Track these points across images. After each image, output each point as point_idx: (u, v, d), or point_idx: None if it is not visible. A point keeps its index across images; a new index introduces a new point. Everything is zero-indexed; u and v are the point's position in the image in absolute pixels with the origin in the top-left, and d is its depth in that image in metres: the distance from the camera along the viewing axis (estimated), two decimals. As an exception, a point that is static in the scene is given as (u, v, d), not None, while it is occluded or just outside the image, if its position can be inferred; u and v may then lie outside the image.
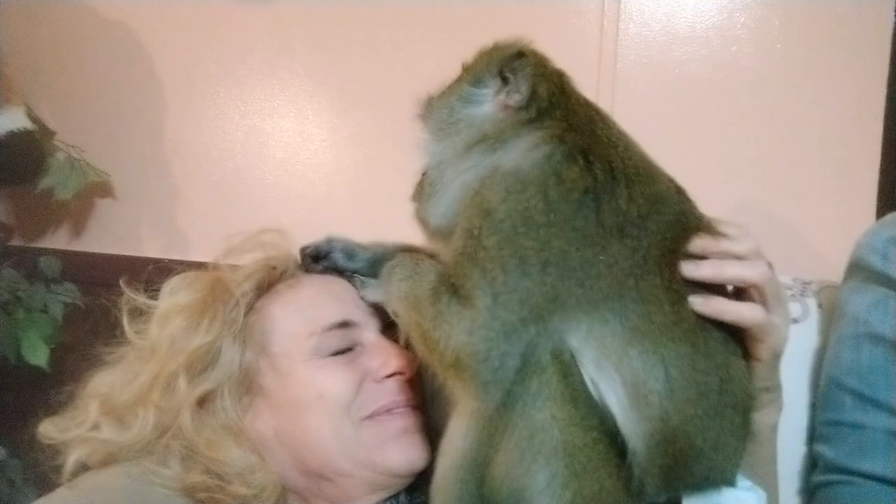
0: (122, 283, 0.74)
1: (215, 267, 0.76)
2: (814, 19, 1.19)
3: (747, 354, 0.62)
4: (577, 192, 0.56)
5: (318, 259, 0.79)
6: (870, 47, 1.16)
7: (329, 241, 0.79)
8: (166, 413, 0.68)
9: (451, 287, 0.58)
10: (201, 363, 0.70)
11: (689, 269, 0.58)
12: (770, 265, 0.61)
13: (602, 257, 0.56)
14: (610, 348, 0.56)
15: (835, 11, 1.17)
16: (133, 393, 0.69)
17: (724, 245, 0.59)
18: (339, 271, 0.79)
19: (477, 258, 0.57)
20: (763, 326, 0.59)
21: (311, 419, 0.69)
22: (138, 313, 0.74)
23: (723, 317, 0.58)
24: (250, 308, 0.73)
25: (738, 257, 0.59)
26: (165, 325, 0.71)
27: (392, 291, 0.65)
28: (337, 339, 0.72)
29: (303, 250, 0.80)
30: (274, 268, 0.77)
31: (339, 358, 0.71)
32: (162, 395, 0.68)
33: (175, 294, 0.73)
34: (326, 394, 0.69)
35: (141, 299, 0.74)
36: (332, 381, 0.69)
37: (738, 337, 0.61)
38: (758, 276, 0.59)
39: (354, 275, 0.77)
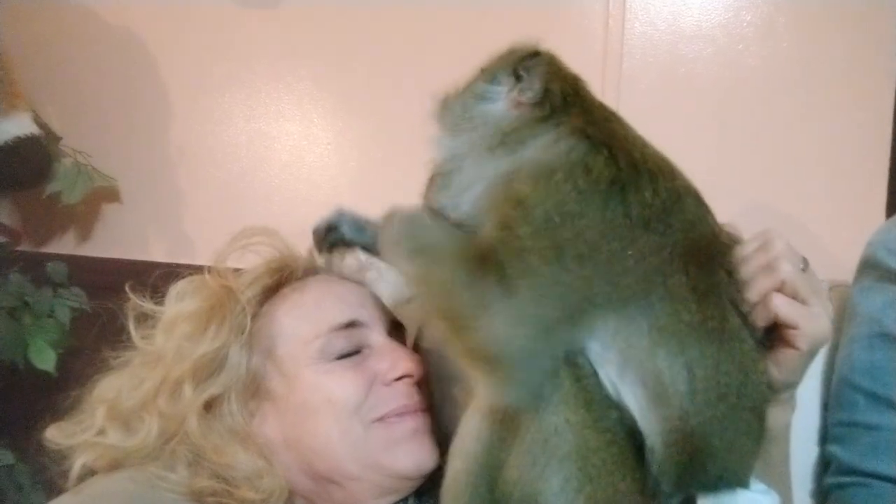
0: (127, 288, 0.74)
1: (218, 272, 0.75)
2: (821, 17, 1.18)
3: (784, 344, 0.60)
4: (604, 182, 0.56)
5: (329, 231, 0.78)
6: (878, 45, 1.15)
7: (339, 212, 0.78)
8: (172, 419, 0.68)
9: (494, 270, 0.55)
10: (207, 369, 0.69)
11: (755, 295, 0.59)
12: (805, 260, 0.60)
13: (630, 252, 0.55)
14: (636, 348, 0.56)
15: (842, 9, 1.17)
16: (139, 398, 0.69)
17: (753, 266, 0.59)
18: (346, 245, 0.77)
19: (514, 248, 0.55)
20: (802, 315, 0.58)
21: (319, 423, 0.69)
22: (144, 318, 0.74)
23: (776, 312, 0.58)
24: (256, 313, 0.73)
25: (766, 267, 0.59)
26: (171, 331, 0.71)
27: (406, 269, 0.62)
28: (343, 341, 0.71)
29: (315, 231, 0.79)
30: (277, 270, 0.76)
31: (347, 361, 0.71)
32: (168, 401, 0.68)
33: (181, 300, 0.73)
34: (334, 397, 0.68)
35: (147, 305, 0.74)
36: (340, 384, 0.69)
37: (771, 330, 0.60)
38: (781, 277, 0.58)
39: (362, 249, 0.75)
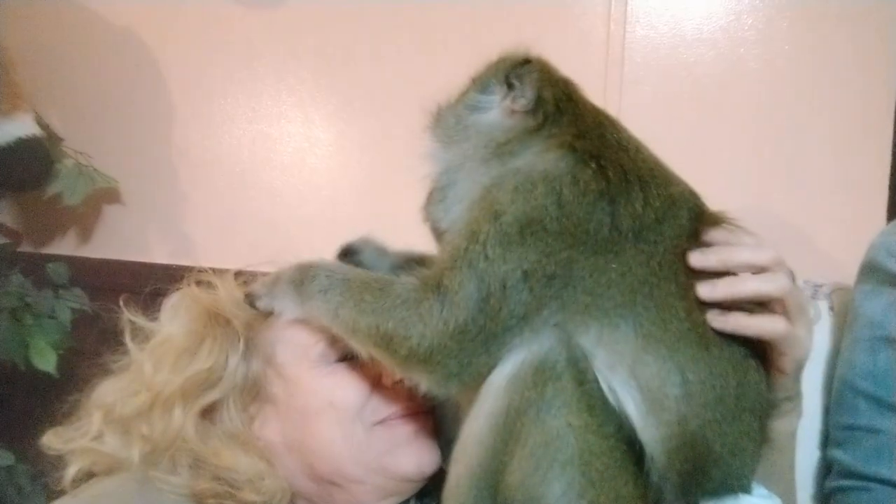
0: (121, 302, 0.73)
1: (210, 283, 0.75)
2: (821, 20, 1.18)
3: (770, 366, 0.60)
4: (592, 194, 0.55)
5: (347, 255, 0.78)
6: (878, 48, 1.15)
7: (363, 239, 0.79)
8: (169, 430, 0.67)
9: (437, 288, 0.57)
10: (202, 386, 0.69)
11: (706, 291, 0.56)
12: (792, 274, 0.59)
13: (614, 265, 0.55)
14: (623, 353, 0.56)
15: (842, 12, 1.17)
16: (135, 407, 0.68)
17: (744, 256, 0.57)
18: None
19: (477, 268, 0.55)
20: (786, 339, 0.58)
21: (321, 426, 0.68)
22: (141, 328, 0.73)
23: (744, 332, 0.57)
24: (252, 322, 0.72)
25: (758, 269, 0.57)
26: (162, 353, 0.70)
27: (318, 305, 0.63)
28: (345, 344, 0.71)
29: (337, 252, 0.80)
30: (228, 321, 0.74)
31: (348, 364, 0.70)
32: (162, 413, 0.67)
33: (173, 320, 0.72)
34: (336, 401, 0.68)
35: (140, 321, 0.73)
36: (342, 387, 0.69)
37: (760, 347, 0.59)
38: (779, 289, 0.57)
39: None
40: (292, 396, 0.70)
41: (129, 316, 0.73)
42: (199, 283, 0.76)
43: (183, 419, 0.67)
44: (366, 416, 0.68)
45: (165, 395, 0.68)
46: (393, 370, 0.60)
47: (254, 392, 0.71)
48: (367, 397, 0.69)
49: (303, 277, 0.64)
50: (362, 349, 0.61)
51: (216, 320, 0.72)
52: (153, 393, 0.68)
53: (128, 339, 0.72)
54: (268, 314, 0.71)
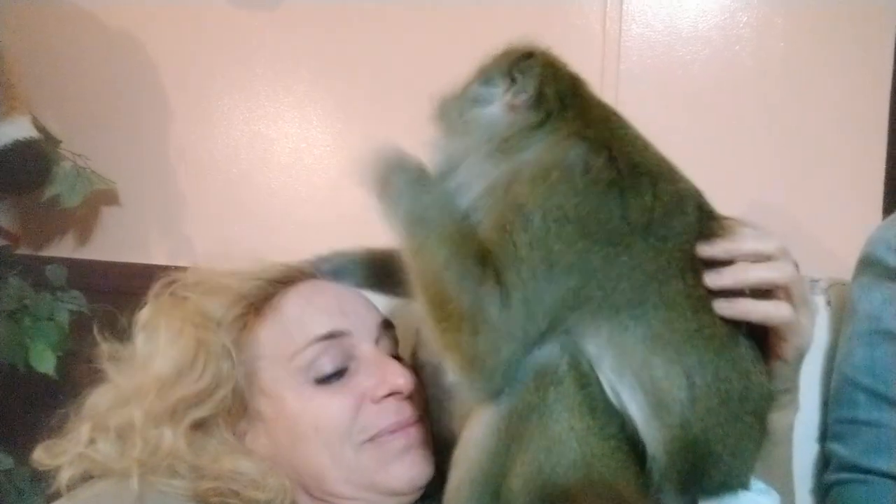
0: (96, 333, 0.70)
1: (185, 298, 0.72)
2: (817, 17, 1.18)
3: (771, 354, 0.60)
4: (603, 183, 0.55)
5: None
6: (874, 44, 1.16)
7: (319, 259, 0.78)
8: (161, 447, 0.65)
9: (492, 275, 0.55)
10: (191, 403, 0.67)
11: (713, 279, 0.56)
12: (796, 265, 0.59)
13: (625, 258, 0.55)
14: (631, 356, 0.55)
15: (838, 9, 1.17)
16: (125, 419, 0.67)
17: (749, 245, 0.57)
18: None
19: (510, 255, 0.55)
20: (790, 325, 0.58)
21: (309, 450, 0.67)
22: (127, 338, 0.71)
23: (749, 317, 0.57)
24: (238, 339, 0.70)
25: (763, 257, 0.57)
26: (148, 374, 0.68)
27: (400, 234, 0.59)
28: (325, 354, 0.68)
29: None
30: (249, 297, 0.71)
31: (332, 385, 0.68)
32: (153, 429, 0.66)
33: (153, 340, 0.69)
34: (321, 425, 0.67)
35: (118, 348, 0.70)
36: (327, 412, 0.67)
37: (761, 337, 0.59)
38: (783, 276, 0.57)
39: None
40: (279, 416, 0.68)
41: (108, 348, 0.70)
42: (172, 294, 0.72)
43: (174, 438, 0.65)
44: (354, 436, 0.67)
45: (152, 416, 0.66)
46: (431, 337, 0.58)
47: (241, 409, 0.69)
48: (353, 418, 0.67)
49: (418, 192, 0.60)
50: (417, 295, 0.58)
51: (200, 338, 0.68)
52: (145, 408, 0.66)
53: (109, 369, 0.69)
54: (246, 325, 0.69)
